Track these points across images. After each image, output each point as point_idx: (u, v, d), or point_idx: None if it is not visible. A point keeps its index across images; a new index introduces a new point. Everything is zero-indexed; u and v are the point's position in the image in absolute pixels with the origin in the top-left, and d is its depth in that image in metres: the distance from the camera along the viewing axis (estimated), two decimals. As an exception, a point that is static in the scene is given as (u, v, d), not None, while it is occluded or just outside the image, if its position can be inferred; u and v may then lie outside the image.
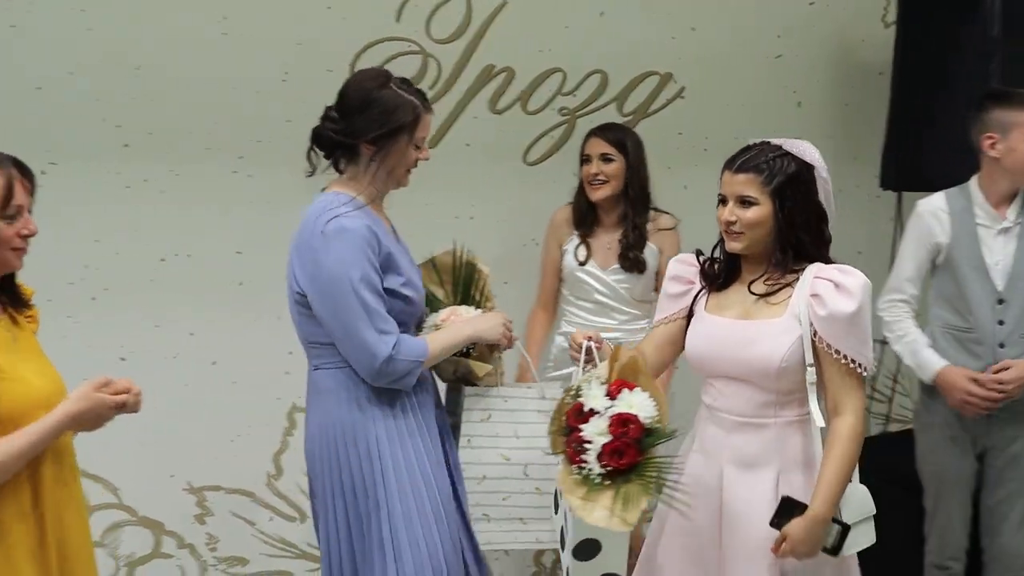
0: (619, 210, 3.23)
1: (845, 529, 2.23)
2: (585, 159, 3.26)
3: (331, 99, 3.50)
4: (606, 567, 2.34)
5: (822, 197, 2.32)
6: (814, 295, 2.25)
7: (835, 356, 2.23)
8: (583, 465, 2.19)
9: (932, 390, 3.02)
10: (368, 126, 2.35)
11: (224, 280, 3.40)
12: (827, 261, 2.30)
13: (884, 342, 3.65)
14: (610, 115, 3.66)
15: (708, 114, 3.71)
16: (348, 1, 3.48)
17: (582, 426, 2.18)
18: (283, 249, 3.66)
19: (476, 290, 2.65)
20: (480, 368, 2.66)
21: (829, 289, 2.23)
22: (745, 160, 2.32)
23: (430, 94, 3.46)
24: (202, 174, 3.42)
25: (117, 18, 3.34)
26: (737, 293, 2.37)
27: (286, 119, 3.33)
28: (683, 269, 2.46)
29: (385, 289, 2.36)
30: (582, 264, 3.27)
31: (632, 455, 2.16)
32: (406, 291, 2.41)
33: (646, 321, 3.23)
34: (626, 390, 2.23)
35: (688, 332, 2.41)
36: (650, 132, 3.59)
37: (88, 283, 3.27)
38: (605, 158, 3.21)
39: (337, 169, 2.45)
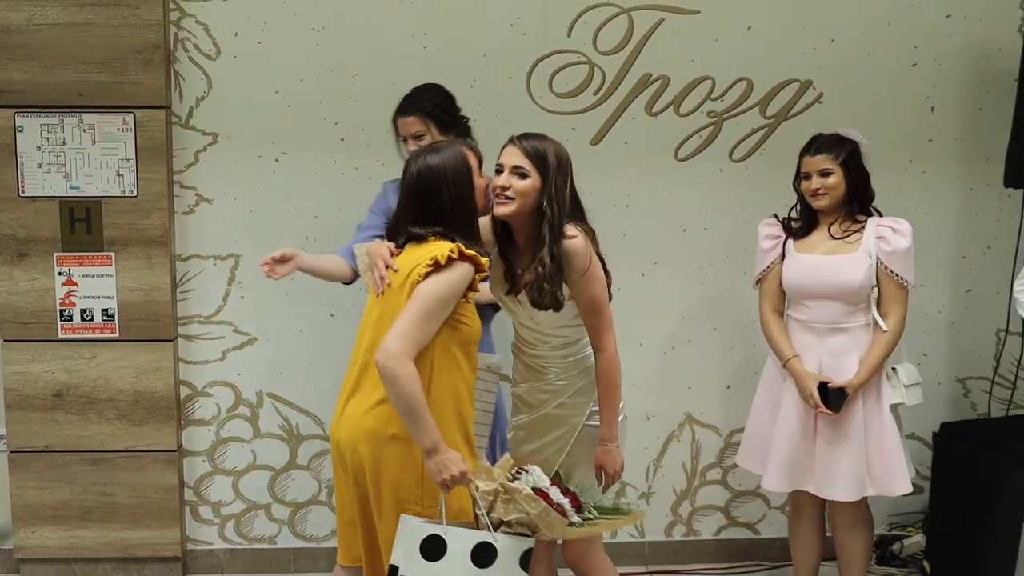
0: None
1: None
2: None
3: (511, 103, 3.99)
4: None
5: (867, 165, 3.28)
6: (879, 237, 3.22)
7: (894, 277, 3.21)
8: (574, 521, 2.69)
9: None
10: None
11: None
12: (870, 213, 3.30)
13: (1006, 332, 3.89)
14: (753, 118, 3.85)
15: (844, 118, 3.73)
16: (527, 19, 3.77)
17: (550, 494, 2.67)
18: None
19: None
20: None
21: (890, 233, 3.22)
22: (819, 145, 3.29)
23: (594, 99, 3.85)
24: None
25: (339, 35, 3.75)
26: (819, 237, 3.32)
27: (472, 119, 3.65)
28: (771, 229, 3.43)
29: None
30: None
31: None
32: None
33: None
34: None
35: (784, 268, 3.36)
36: (790, 133, 3.81)
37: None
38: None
39: None
